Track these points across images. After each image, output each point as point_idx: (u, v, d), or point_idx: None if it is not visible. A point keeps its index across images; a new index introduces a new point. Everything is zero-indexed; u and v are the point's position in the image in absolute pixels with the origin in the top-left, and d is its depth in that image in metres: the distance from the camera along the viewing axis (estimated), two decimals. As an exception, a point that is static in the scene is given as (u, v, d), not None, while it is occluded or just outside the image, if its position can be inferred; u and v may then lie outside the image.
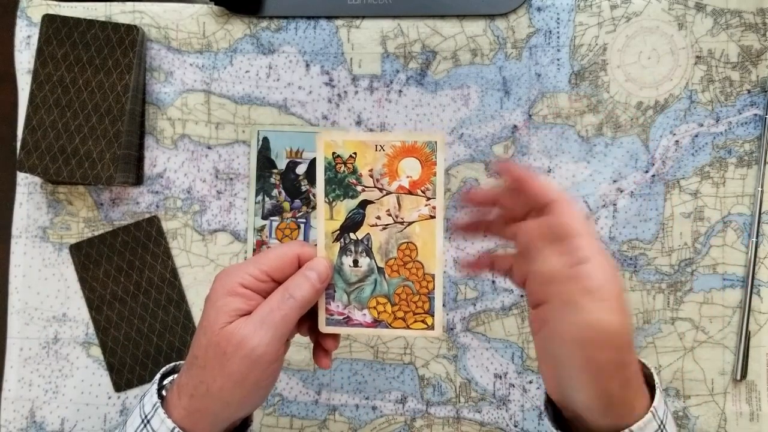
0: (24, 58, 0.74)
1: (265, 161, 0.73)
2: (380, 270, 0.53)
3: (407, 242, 0.52)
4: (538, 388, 0.71)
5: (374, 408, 0.72)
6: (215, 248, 0.73)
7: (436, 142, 0.51)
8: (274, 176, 0.73)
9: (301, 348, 0.72)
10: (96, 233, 0.73)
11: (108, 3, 0.74)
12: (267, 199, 0.73)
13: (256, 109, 0.73)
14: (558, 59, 0.72)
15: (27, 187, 0.74)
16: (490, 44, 0.73)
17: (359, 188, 0.52)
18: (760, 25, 0.71)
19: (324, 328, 0.54)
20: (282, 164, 0.73)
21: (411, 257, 0.52)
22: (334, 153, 0.52)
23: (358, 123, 0.73)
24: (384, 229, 0.53)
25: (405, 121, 0.73)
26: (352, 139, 0.52)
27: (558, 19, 0.72)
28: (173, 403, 0.51)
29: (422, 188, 0.52)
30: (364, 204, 0.52)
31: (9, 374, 0.72)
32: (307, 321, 0.54)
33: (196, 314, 0.73)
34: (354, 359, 0.72)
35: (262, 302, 0.51)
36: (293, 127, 0.73)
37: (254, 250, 0.73)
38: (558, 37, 0.72)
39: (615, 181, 0.71)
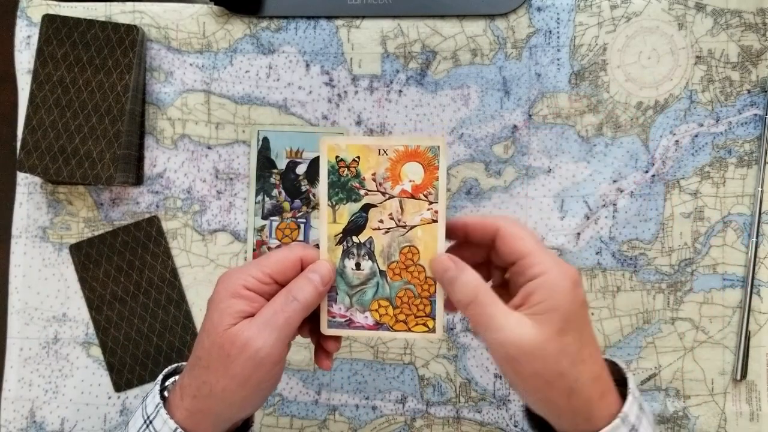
0: (24, 58, 0.73)
1: (265, 161, 0.73)
2: (382, 273, 0.53)
3: (409, 246, 0.52)
4: (538, 387, 0.71)
5: (374, 408, 0.72)
6: (215, 248, 0.73)
7: (438, 147, 0.51)
8: (274, 176, 0.73)
9: (301, 348, 0.72)
10: (96, 233, 0.73)
11: (108, 3, 0.74)
12: (267, 199, 0.73)
13: (256, 109, 0.73)
14: (558, 59, 0.72)
15: (27, 187, 0.74)
16: (490, 44, 0.73)
17: (362, 192, 0.53)
18: (760, 25, 0.71)
19: (326, 330, 0.54)
20: (282, 164, 0.73)
21: (413, 261, 0.53)
22: (337, 157, 0.52)
23: (358, 123, 0.73)
24: (386, 232, 0.53)
25: (405, 121, 0.73)
26: (356, 143, 0.52)
27: (558, 19, 0.72)
28: (176, 404, 0.51)
29: (425, 192, 0.52)
30: (366, 207, 0.53)
31: (9, 374, 0.72)
32: (309, 323, 0.55)
33: (196, 314, 0.73)
34: (354, 359, 0.72)
35: (265, 304, 0.51)
36: (293, 127, 0.73)
37: (254, 250, 0.73)
38: (558, 37, 0.72)
39: (615, 181, 0.71)
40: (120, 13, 0.74)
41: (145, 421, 0.51)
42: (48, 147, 0.69)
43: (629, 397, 0.49)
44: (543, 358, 0.47)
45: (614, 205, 0.71)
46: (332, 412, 0.72)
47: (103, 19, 0.73)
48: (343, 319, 0.54)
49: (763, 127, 0.70)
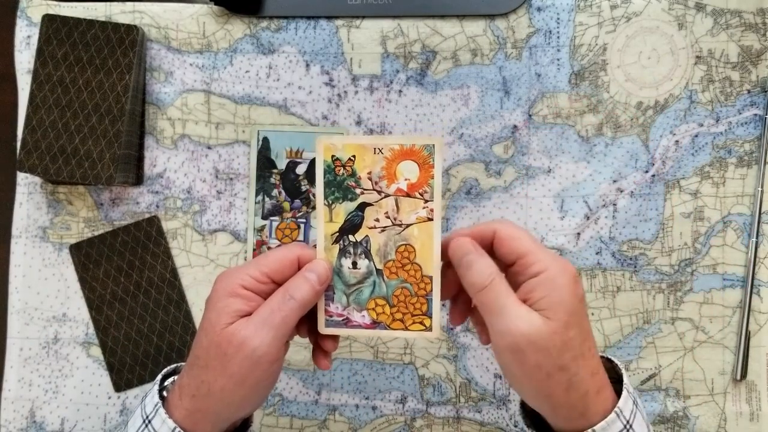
0: (24, 58, 0.74)
1: (265, 161, 0.73)
2: (379, 272, 0.53)
3: (405, 244, 0.53)
4: (537, 388, 0.71)
5: (374, 408, 0.72)
6: (215, 248, 0.73)
7: (434, 146, 0.51)
8: (274, 176, 0.73)
9: (301, 348, 0.72)
10: (96, 233, 0.73)
11: (108, 3, 0.74)
12: (267, 199, 0.73)
13: (256, 109, 0.73)
14: (558, 59, 0.72)
15: (27, 187, 0.74)
16: (490, 44, 0.73)
17: (358, 191, 0.53)
18: (760, 25, 0.71)
19: (323, 329, 0.54)
20: (282, 164, 0.73)
21: (409, 259, 0.53)
22: (333, 156, 0.52)
23: (358, 123, 0.73)
24: (382, 231, 0.53)
25: (405, 121, 0.73)
26: (351, 143, 0.52)
27: (558, 19, 0.72)
28: (174, 404, 0.51)
29: (420, 191, 0.52)
30: (362, 206, 0.53)
31: (9, 374, 0.72)
32: (307, 322, 0.55)
33: (196, 314, 0.73)
34: (354, 359, 0.72)
35: (262, 303, 0.51)
36: (293, 127, 0.73)
37: (254, 250, 0.73)
38: (558, 37, 0.72)
39: (615, 181, 0.71)
40: (120, 13, 0.74)
41: (144, 421, 0.51)
42: (48, 147, 0.69)
43: (624, 393, 0.49)
44: (547, 350, 0.47)
45: (614, 205, 0.71)
46: (332, 412, 0.72)
47: (103, 19, 0.73)
48: (341, 318, 0.54)
49: (763, 127, 0.70)
